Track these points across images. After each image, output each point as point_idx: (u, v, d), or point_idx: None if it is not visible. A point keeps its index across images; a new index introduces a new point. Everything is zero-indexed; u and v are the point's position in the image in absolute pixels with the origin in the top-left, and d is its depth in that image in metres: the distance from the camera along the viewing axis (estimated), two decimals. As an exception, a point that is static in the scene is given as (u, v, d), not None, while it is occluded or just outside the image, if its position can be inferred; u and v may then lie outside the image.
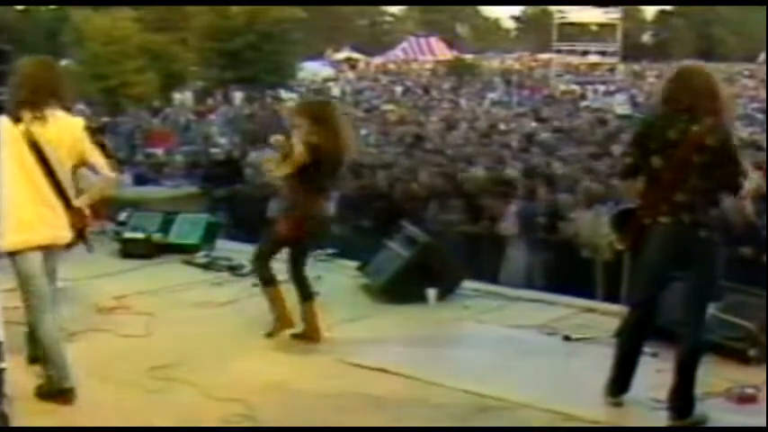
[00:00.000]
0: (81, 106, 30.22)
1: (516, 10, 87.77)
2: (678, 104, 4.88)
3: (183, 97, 37.85)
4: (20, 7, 50.95)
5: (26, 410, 4.82)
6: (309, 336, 6.47)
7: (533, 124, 23.54)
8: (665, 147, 4.84)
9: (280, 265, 6.62)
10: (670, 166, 4.83)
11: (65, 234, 5.27)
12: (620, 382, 5.22)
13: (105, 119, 26.21)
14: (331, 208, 7.06)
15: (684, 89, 4.89)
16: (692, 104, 4.82)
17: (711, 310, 6.16)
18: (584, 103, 33.53)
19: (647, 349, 6.14)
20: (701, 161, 4.78)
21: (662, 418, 5.05)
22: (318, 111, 6.49)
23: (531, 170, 11.83)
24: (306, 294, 6.54)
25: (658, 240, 4.94)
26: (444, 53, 60.95)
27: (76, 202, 5.32)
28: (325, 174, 6.33)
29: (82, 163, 5.36)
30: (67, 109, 5.37)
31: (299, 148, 6.13)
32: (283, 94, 37.24)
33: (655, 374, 5.74)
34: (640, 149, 5.00)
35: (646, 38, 79.76)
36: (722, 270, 5.14)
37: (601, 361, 6.03)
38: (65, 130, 5.20)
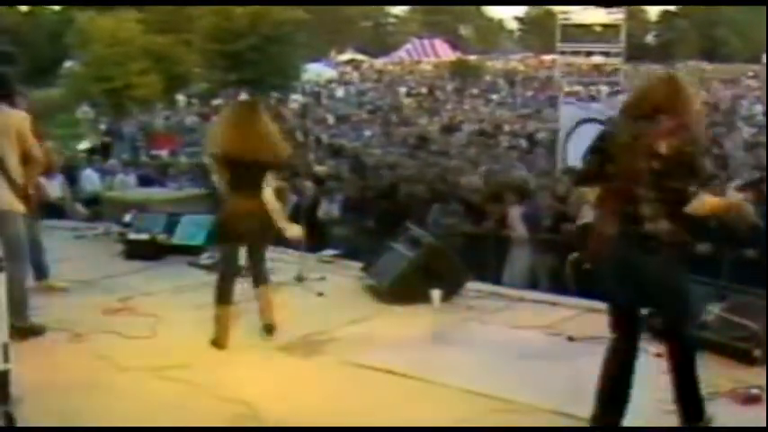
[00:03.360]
0: (85, 107, 30.35)
1: (519, 11, 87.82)
2: (639, 109, 4.60)
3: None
4: (24, 9, 51.09)
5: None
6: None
7: (538, 125, 23.53)
8: (619, 153, 4.52)
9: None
10: (621, 173, 4.51)
11: (4, 200, 6.35)
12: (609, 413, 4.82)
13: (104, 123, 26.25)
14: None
15: (648, 94, 4.65)
16: (653, 110, 4.52)
17: (716, 310, 6.19)
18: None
19: (651, 349, 6.15)
20: (653, 169, 4.41)
21: (667, 419, 5.05)
22: None
23: (542, 173, 11.78)
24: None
25: (610, 254, 4.59)
26: (448, 54, 60.95)
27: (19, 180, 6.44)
28: None
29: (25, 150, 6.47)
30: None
31: None
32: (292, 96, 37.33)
33: (660, 375, 5.74)
34: (599, 156, 4.65)
35: (649, 39, 79.67)
36: (684, 286, 4.70)
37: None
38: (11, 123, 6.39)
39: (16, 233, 6.46)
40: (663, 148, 4.39)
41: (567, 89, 41.16)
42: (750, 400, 5.28)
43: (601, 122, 11.35)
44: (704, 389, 5.24)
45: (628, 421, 5.03)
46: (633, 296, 4.63)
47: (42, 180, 9.06)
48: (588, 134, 8.17)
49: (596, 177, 4.65)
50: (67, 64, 39.06)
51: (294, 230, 6.90)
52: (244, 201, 6.35)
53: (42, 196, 8.51)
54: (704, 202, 4.49)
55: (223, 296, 6.43)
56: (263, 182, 6.43)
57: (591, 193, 4.73)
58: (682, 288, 4.66)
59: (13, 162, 6.39)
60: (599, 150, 4.65)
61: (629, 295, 4.63)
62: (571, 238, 9.63)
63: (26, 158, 6.49)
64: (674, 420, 5.03)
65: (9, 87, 6.68)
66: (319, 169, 13.98)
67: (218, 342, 6.32)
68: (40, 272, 7.74)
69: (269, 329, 6.48)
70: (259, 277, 6.57)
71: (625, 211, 4.47)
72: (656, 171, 4.39)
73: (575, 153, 12.76)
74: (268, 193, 6.47)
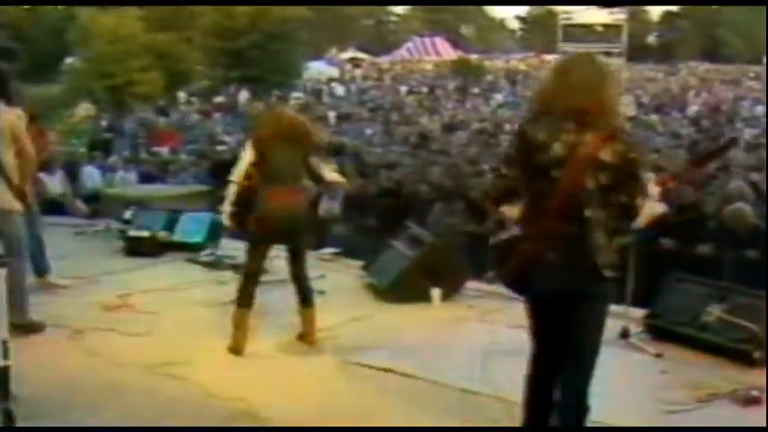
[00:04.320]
0: (87, 104, 30.36)
1: (521, 10, 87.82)
2: (563, 109, 3.79)
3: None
4: (26, 5, 51.05)
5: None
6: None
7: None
8: (549, 166, 3.77)
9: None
10: (557, 190, 3.75)
11: (5, 199, 6.37)
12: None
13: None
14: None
15: (569, 89, 3.80)
16: (580, 109, 3.76)
17: (717, 311, 6.19)
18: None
19: (650, 349, 6.17)
20: (597, 185, 3.72)
21: (667, 419, 5.05)
22: None
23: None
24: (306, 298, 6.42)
25: (544, 282, 3.91)
26: (449, 53, 60.94)
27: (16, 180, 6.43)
28: None
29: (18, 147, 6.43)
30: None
31: None
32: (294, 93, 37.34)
33: (659, 375, 5.75)
34: (519, 168, 3.92)
35: (651, 39, 79.63)
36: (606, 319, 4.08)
37: (605, 361, 6.03)
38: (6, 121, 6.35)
39: (15, 231, 6.47)
40: (608, 156, 3.71)
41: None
42: (750, 401, 5.27)
43: None
44: (705, 390, 5.27)
45: (628, 421, 5.03)
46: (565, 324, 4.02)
47: (43, 176, 9.05)
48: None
49: (518, 194, 3.96)
50: (69, 60, 39.09)
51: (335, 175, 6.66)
52: (285, 194, 6.15)
53: (43, 192, 8.50)
54: (651, 212, 3.95)
55: (245, 298, 6.21)
56: (304, 173, 6.28)
57: (513, 211, 4.00)
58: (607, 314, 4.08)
59: (9, 161, 6.39)
60: (520, 162, 3.92)
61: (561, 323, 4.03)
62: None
63: (20, 157, 6.46)
64: (674, 420, 5.04)
65: (5, 86, 6.67)
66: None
67: (236, 348, 6.17)
68: (41, 268, 7.74)
69: (312, 344, 6.36)
70: (307, 296, 6.37)
71: (566, 232, 3.78)
72: (603, 185, 3.72)
73: None
74: (331, 174, 6.51)
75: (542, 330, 4.20)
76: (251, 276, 6.25)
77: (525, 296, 4.15)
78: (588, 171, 3.71)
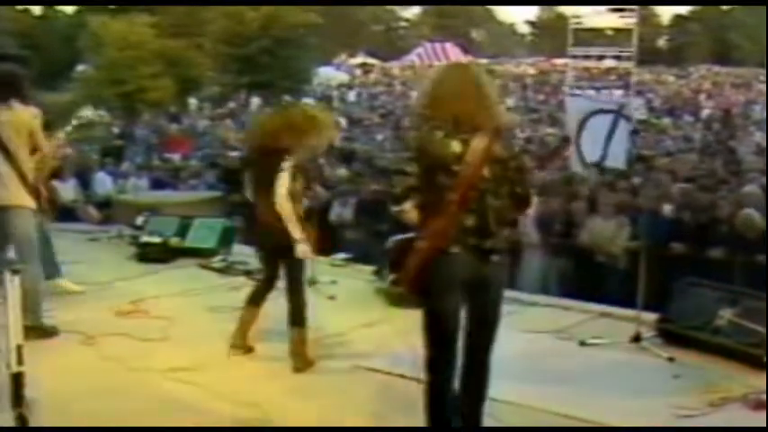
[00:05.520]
0: (101, 112, 30.45)
1: (531, 15, 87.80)
2: (454, 116, 4.14)
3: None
4: (37, 13, 51.30)
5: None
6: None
7: (549, 130, 23.43)
8: (450, 161, 4.08)
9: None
10: (457, 184, 4.07)
11: (15, 195, 6.39)
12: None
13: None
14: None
15: (457, 100, 4.16)
16: (469, 116, 4.13)
17: (728, 315, 6.18)
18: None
19: (663, 353, 6.16)
20: (492, 175, 4.13)
21: (679, 423, 5.04)
22: None
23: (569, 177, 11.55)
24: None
25: (449, 274, 4.23)
26: (459, 58, 60.81)
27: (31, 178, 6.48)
28: None
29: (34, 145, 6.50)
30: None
31: None
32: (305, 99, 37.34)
33: (671, 380, 5.74)
34: (420, 167, 4.18)
35: (661, 42, 79.48)
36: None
37: (616, 366, 6.04)
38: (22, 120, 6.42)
39: (28, 229, 6.51)
40: (498, 150, 4.13)
41: (579, 93, 41.11)
42: (761, 405, 5.26)
43: (612, 112, 11.01)
44: (716, 393, 5.26)
45: (640, 425, 5.03)
46: (475, 311, 4.39)
47: (56, 183, 9.10)
48: (599, 127, 8.14)
49: (417, 191, 4.21)
50: (80, 68, 39.22)
51: (305, 251, 5.95)
52: (261, 207, 6.03)
53: (56, 199, 8.53)
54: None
55: (253, 296, 6.21)
56: (277, 183, 5.85)
57: (413, 213, 4.25)
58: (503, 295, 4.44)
59: (25, 159, 6.45)
60: (420, 161, 4.18)
61: (458, 313, 4.41)
62: (584, 242, 9.63)
63: (35, 154, 6.54)
64: (686, 424, 5.04)
65: (21, 85, 6.70)
66: (340, 173, 13.86)
67: (234, 344, 6.19)
68: (52, 270, 7.76)
69: (298, 370, 5.96)
70: (294, 315, 5.97)
71: (468, 224, 4.13)
72: (498, 176, 4.14)
73: (591, 148, 12.36)
74: (280, 196, 5.84)
75: (452, 328, 4.48)
76: (263, 280, 6.27)
77: (430, 297, 4.45)
78: (485, 162, 4.08)
